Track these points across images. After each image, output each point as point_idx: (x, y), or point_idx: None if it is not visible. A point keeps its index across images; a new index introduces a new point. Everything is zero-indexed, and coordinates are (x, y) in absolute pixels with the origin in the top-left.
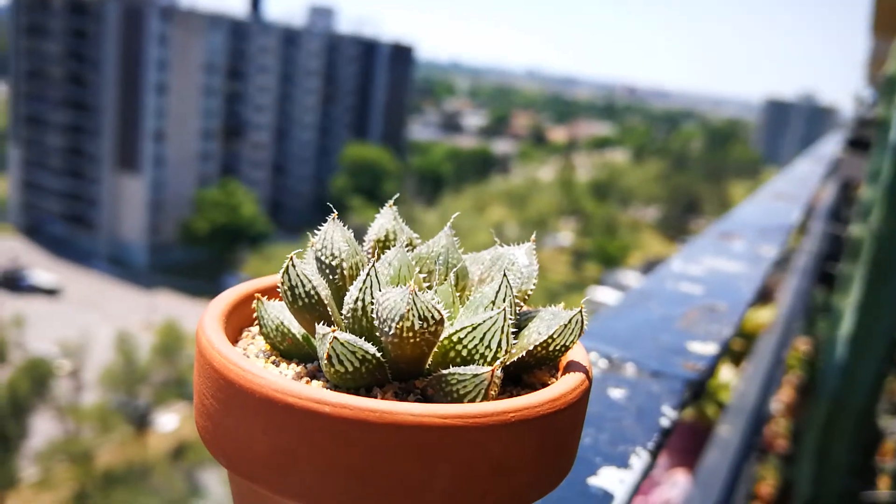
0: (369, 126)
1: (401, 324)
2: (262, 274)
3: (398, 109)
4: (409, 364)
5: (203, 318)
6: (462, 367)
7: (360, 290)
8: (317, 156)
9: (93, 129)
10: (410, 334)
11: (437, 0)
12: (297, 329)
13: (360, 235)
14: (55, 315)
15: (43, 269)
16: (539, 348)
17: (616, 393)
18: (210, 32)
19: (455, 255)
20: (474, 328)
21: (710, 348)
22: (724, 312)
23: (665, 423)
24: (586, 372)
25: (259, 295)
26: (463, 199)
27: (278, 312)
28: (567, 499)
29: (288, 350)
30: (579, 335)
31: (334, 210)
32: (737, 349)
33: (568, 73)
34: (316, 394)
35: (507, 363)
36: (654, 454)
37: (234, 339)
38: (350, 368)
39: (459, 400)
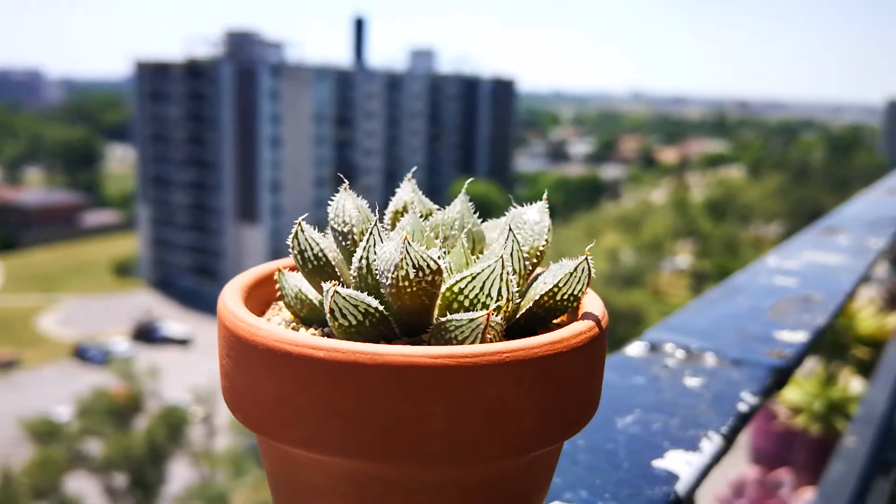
0: (476, 162)
1: (396, 273)
2: None
3: (503, 143)
4: (413, 317)
5: (224, 288)
6: (459, 313)
7: (364, 248)
8: (426, 195)
9: (214, 185)
10: (406, 283)
11: (536, 33)
12: (314, 295)
13: None
14: (187, 364)
15: (174, 320)
16: (546, 298)
17: (691, 382)
18: (317, 84)
19: (470, 219)
20: (474, 277)
21: (799, 336)
22: (820, 302)
23: (743, 407)
24: (598, 321)
25: (282, 267)
26: (574, 228)
27: (297, 282)
28: (629, 481)
29: (308, 317)
30: (587, 283)
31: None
32: (864, 358)
33: (674, 92)
34: (311, 340)
35: (518, 316)
36: (730, 438)
37: (261, 311)
38: (354, 322)
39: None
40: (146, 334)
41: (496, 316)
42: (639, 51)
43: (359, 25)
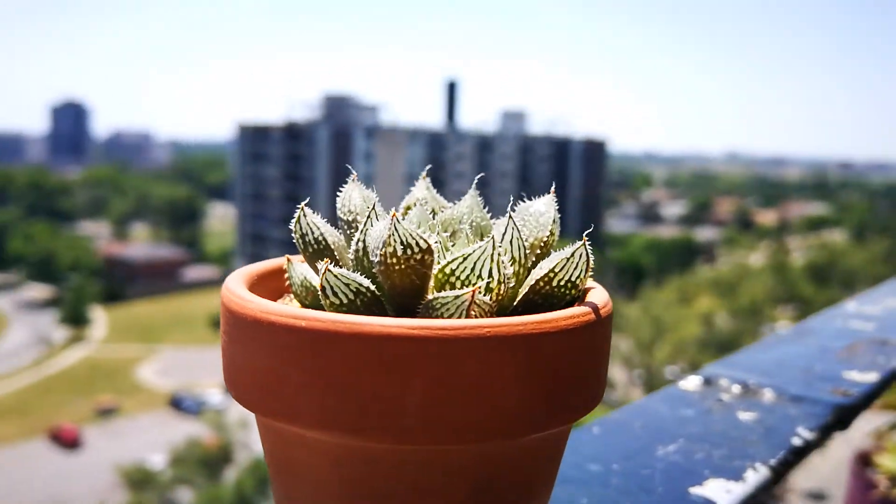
0: (566, 222)
1: (384, 250)
2: None
3: (594, 204)
4: (406, 298)
5: (231, 274)
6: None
7: (362, 231)
8: None
9: None
10: (394, 260)
11: (628, 94)
12: (317, 282)
13: None
14: None
15: None
16: (541, 283)
17: (745, 415)
18: (410, 145)
19: (479, 214)
20: (465, 258)
21: (870, 377)
22: None
23: (797, 442)
24: (596, 308)
25: (290, 258)
26: (666, 291)
27: (304, 270)
28: None
29: (313, 303)
30: (586, 270)
31: None
32: None
33: (773, 152)
34: (294, 311)
35: (515, 303)
36: (778, 471)
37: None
38: (345, 300)
39: None
40: None
41: (483, 295)
42: (735, 111)
43: (451, 88)
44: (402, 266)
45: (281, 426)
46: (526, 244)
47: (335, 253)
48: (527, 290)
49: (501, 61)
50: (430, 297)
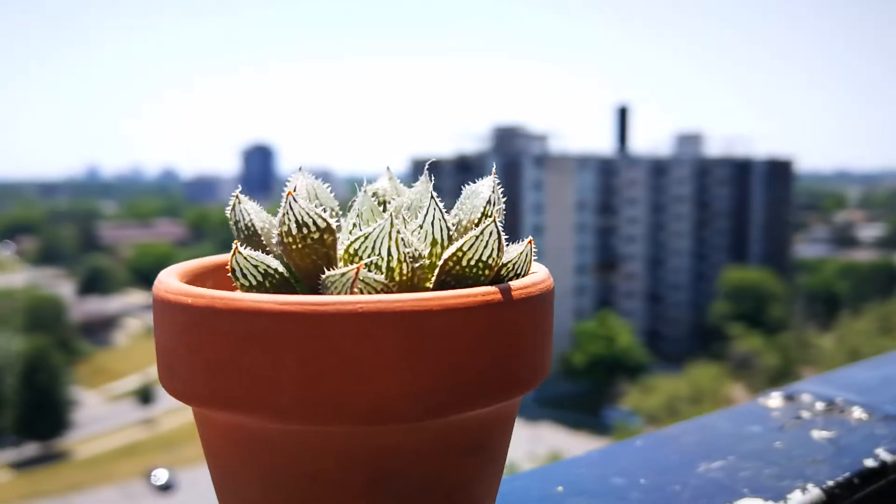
0: (749, 248)
1: (280, 229)
2: (641, 407)
3: (780, 228)
4: (312, 278)
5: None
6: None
7: (280, 215)
8: (693, 282)
9: None
10: (290, 240)
11: (816, 108)
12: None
13: (744, 366)
14: None
15: None
16: (450, 262)
17: (819, 434)
18: (580, 173)
19: (427, 201)
20: (366, 237)
21: None
22: None
23: (871, 463)
24: (507, 290)
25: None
26: (865, 320)
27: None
28: None
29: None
30: (499, 249)
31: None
32: None
33: None
34: (185, 289)
35: (431, 284)
36: (834, 494)
37: None
38: (254, 282)
39: None
40: None
41: (372, 272)
42: None
43: (622, 114)
44: (300, 245)
45: (195, 409)
46: (456, 226)
47: (262, 237)
48: (437, 269)
49: (674, 82)
50: (322, 276)
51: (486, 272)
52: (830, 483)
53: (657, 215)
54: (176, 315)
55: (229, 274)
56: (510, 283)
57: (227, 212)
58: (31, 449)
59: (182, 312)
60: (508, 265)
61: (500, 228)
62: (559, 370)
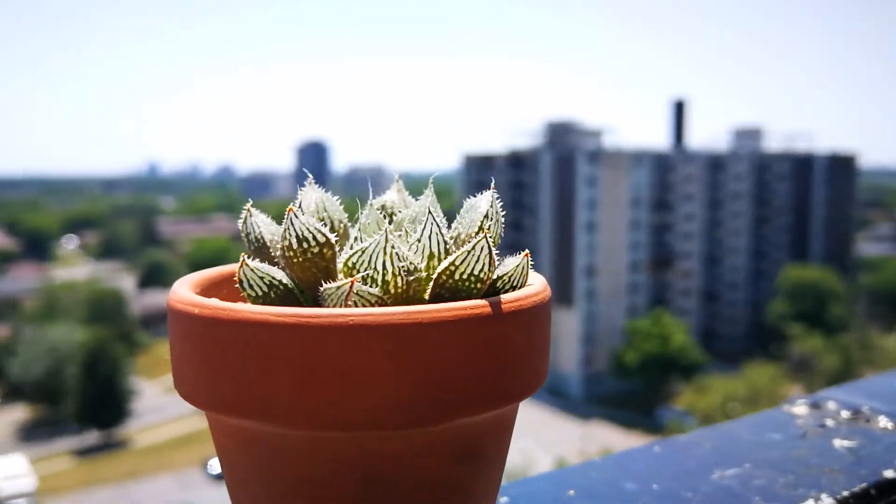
0: (809, 245)
1: (281, 244)
2: (696, 407)
3: (842, 225)
4: (313, 290)
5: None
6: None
7: (286, 227)
8: (751, 281)
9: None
10: (291, 254)
11: (882, 101)
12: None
13: (803, 366)
14: None
15: None
16: (444, 276)
17: (841, 443)
18: (635, 169)
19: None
20: (363, 252)
21: None
22: None
23: (890, 474)
24: (497, 304)
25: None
26: None
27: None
28: None
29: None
30: (490, 264)
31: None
32: None
33: None
34: (193, 299)
35: (427, 297)
36: (847, 503)
37: None
38: (260, 293)
39: None
40: None
41: (367, 286)
42: None
43: (679, 108)
44: (300, 259)
45: (206, 413)
46: (455, 239)
47: (270, 249)
48: (431, 283)
49: (733, 76)
50: (320, 289)
51: (479, 286)
52: (846, 493)
53: (714, 212)
54: (185, 324)
55: (237, 285)
56: (501, 296)
57: (239, 224)
58: (92, 437)
59: (190, 321)
60: (504, 277)
61: (491, 244)
62: (611, 368)
